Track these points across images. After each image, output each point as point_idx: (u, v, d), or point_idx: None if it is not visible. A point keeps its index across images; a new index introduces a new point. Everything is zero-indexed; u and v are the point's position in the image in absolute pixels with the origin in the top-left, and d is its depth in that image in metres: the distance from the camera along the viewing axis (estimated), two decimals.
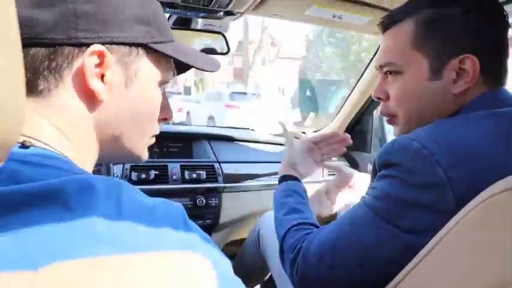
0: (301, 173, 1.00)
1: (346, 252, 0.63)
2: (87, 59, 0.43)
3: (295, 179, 0.97)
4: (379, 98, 0.77)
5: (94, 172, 1.07)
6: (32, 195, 0.33)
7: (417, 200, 0.58)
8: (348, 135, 1.03)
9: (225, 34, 1.34)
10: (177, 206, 0.40)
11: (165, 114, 0.57)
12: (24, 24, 0.39)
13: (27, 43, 0.39)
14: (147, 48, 0.48)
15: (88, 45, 0.43)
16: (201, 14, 1.23)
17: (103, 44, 0.43)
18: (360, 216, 0.64)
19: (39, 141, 0.41)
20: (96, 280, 0.29)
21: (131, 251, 0.33)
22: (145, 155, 0.56)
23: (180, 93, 18.81)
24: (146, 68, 0.49)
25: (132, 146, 0.52)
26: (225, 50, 1.36)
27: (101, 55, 0.43)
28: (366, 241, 0.62)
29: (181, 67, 0.58)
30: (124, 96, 0.47)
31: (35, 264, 0.29)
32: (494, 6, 0.67)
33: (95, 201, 0.34)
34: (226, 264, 0.41)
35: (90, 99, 0.45)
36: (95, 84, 0.44)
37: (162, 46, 0.50)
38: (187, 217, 0.40)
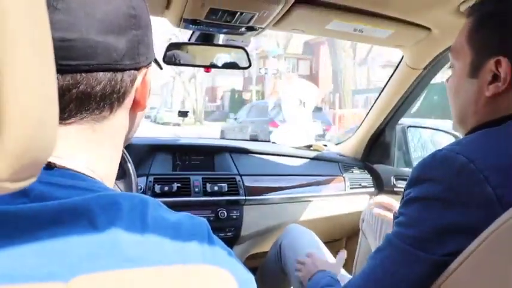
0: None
1: None
2: (147, 80, 0.47)
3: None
4: None
5: (118, 182, 1.07)
6: (59, 212, 0.34)
7: (461, 223, 0.54)
8: None
9: (246, 49, 1.36)
10: (201, 222, 0.41)
11: None
12: (103, 50, 0.40)
13: (105, 68, 0.41)
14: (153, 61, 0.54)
15: (143, 67, 0.47)
16: (224, 30, 1.26)
17: (149, 64, 0.48)
18: (391, 254, 0.59)
19: (65, 166, 0.41)
20: None
21: (156, 264, 0.33)
22: None
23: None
24: (151, 75, 0.53)
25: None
26: (247, 65, 1.38)
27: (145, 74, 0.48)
28: (405, 281, 0.57)
29: None
30: (144, 104, 0.51)
31: (65, 276, 0.30)
32: None
33: (120, 219, 0.35)
34: (251, 280, 0.41)
35: (134, 114, 0.49)
36: (144, 102, 0.48)
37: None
38: (211, 232, 0.41)
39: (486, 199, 0.52)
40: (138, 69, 0.45)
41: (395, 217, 0.63)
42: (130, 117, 0.49)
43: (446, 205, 0.55)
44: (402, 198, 0.65)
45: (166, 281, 0.32)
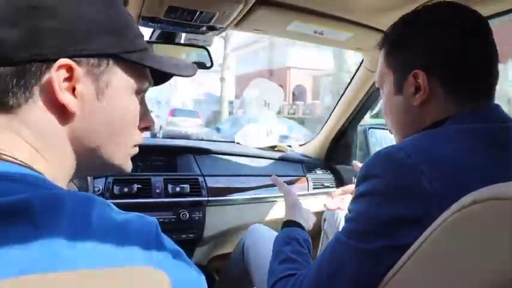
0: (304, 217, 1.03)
1: None
2: (54, 74, 0.42)
3: (297, 225, 0.98)
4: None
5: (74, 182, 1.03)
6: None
7: (404, 215, 0.57)
8: None
9: (208, 48, 1.36)
10: (150, 222, 0.40)
11: (146, 122, 0.56)
12: None
13: None
14: (118, 58, 0.48)
15: (55, 60, 0.42)
16: (184, 29, 1.24)
17: (71, 57, 0.43)
18: (338, 250, 0.63)
19: (9, 156, 0.40)
20: None
21: (90, 266, 0.32)
22: (128, 166, 0.55)
23: None
24: (119, 78, 0.49)
25: (111, 157, 0.51)
26: (208, 64, 1.38)
27: (69, 69, 0.43)
28: (352, 277, 0.60)
29: (160, 77, 0.57)
30: (97, 108, 0.47)
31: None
32: (464, 24, 0.67)
33: (62, 219, 0.34)
34: (194, 281, 0.41)
35: (62, 113, 0.45)
36: (65, 98, 0.43)
37: (134, 55, 0.49)
38: (160, 232, 0.40)
39: (423, 191, 0.55)
40: (44, 61, 0.42)
41: (346, 215, 0.66)
42: (62, 119, 0.45)
43: (390, 198, 0.58)
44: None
45: (93, 284, 0.31)
